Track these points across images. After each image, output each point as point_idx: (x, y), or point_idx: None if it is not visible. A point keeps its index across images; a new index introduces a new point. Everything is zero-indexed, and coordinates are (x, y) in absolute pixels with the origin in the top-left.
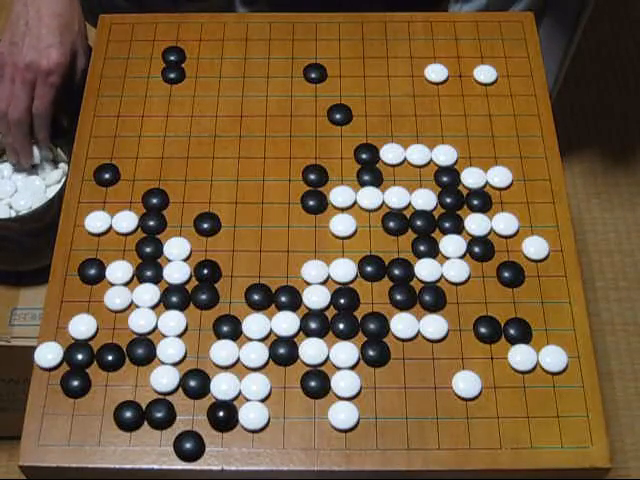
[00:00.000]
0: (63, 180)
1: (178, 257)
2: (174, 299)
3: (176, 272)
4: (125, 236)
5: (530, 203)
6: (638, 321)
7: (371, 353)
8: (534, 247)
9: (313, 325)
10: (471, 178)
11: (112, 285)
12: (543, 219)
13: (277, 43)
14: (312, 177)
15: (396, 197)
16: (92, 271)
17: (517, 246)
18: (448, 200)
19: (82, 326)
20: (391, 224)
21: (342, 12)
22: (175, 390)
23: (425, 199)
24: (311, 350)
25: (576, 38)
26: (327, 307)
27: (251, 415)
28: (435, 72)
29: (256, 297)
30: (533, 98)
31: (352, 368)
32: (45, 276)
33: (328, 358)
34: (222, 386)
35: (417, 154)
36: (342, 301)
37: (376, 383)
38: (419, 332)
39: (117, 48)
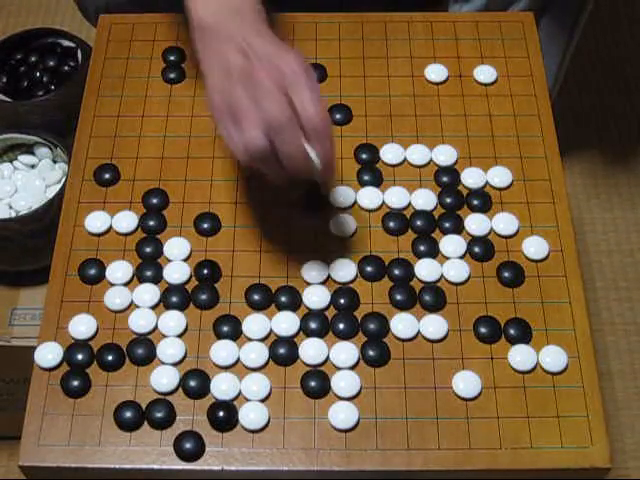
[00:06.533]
0: (63, 180)
1: (178, 257)
2: (174, 299)
3: (176, 272)
4: (125, 236)
5: (530, 203)
6: (638, 321)
7: (371, 353)
8: (534, 247)
9: (313, 325)
10: (471, 178)
11: (112, 285)
12: (543, 219)
13: None
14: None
15: (396, 197)
16: (92, 271)
17: (517, 246)
18: (448, 200)
19: (82, 326)
20: (391, 224)
21: (342, 12)
22: (175, 390)
23: (425, 199)
24: (311, 350)
25: (575, 38)
26: (327, 307)
27: (251, 415)
28: (435, 72)
29: (256, 297)
30: (533, 98)
31: (352, 368)
32: (45, 276)
33: (328, 358)
34: (222, 386)
35: (417, 154)
36: (342, 301)
37: (376, 383)
38: (419, 332)
39: (117, 48)
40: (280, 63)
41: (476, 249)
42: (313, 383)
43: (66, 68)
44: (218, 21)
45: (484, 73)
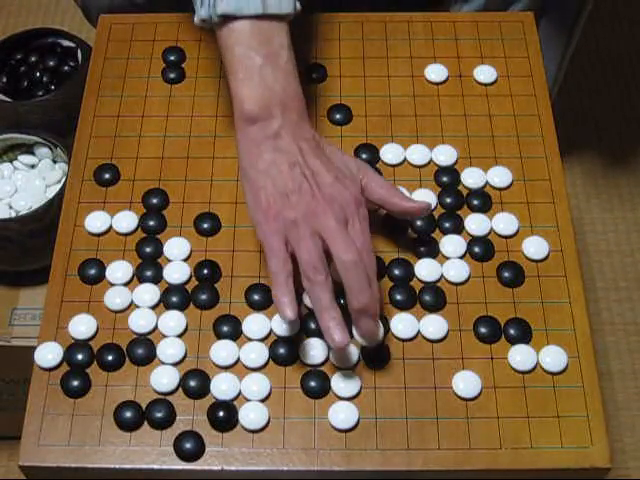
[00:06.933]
0: (63, 180)
1: (178, 257)
2: (174, 299)
3: (176, 272)
4: (125, 236)
5: (530, 203)
6: (638, 321)
7: (371, 353)
8: (534, 247)
9: (313, 325)
10: (471, 178)
11: (112, 285)
12: (543, 219)
13: None
14: None
15: None
16: (92, 271)
17: (517, 246)
18: (448, 200)
19: (82, 326)
20: (391, 224)
21: (342, 12)
22: (175, 390)
23: (425, 199)
24: (311, 350)
25: (575, 38)
26: None
27: (251, 415)
28: (435, 72)
29: (256, 297)
30: (533, 98)
31: (352, 368)
32: (45, 276)
33: (328, 358)
34: (222, 386)
35: (417, 154)
36: (342, 301)
37: (376, 383)
38: (419, 332)
39: (117, 48)
40: (340, 195)
41: (476, 249)
42: (313, 383)
43: (66, 68)
44: (264, 113)
45: (484, 73)
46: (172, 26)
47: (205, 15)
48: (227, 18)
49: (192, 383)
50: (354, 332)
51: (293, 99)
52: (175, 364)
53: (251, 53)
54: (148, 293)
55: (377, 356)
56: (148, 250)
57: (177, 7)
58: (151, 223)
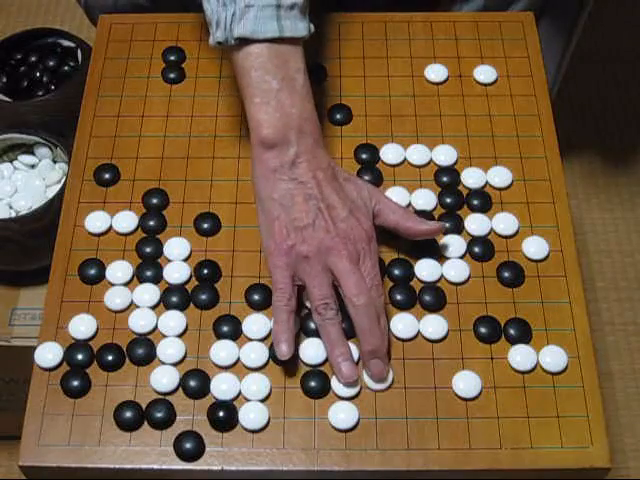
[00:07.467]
0: (63, 180)
1: (178, 257)
2: (174, 299)
3: (176, 272)
4: (125, 236)
5: (530, 203)
6: (638, 321)
7: None
8: (534, 247)
9: (313, 325)
10: (471, 178)
11: (112, 285)
12: (543, 219)
13: None
14: None
15: (396, 197)
16: (92, 271)
17: (517, 246)
18: (448, 200)
19: (82, 326)
20: None
21: (342, 12)
22: (175, 390)
23: (425, 199)
24: (311, 350)
25: (575, 38)
26: None
27: (251, 415)
28: (435, 72)
29: (256, 297)
30: (533, 98)
31: None
32: (45, 276)
33: (328, 358)
34: (222, 386)
35: (417, 154)
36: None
37: None
38: (419, 332)
39: (117, 48)
40: (353, 231)
41: (476, 249)
42: (313, 383)
43: (66, 68)
44: (281, 139)
45: (484, 73)
46: (172, 26)
47: (221, 38)
48: (243, 41)
49: (192, 383)
50: (364, 374)
51: (309, 123)
52: (175, 364)
53: (267, 77)
54: (148, 293)
55: None
56: (148, 250)
57: (182, 11)
58: (151, 223)
